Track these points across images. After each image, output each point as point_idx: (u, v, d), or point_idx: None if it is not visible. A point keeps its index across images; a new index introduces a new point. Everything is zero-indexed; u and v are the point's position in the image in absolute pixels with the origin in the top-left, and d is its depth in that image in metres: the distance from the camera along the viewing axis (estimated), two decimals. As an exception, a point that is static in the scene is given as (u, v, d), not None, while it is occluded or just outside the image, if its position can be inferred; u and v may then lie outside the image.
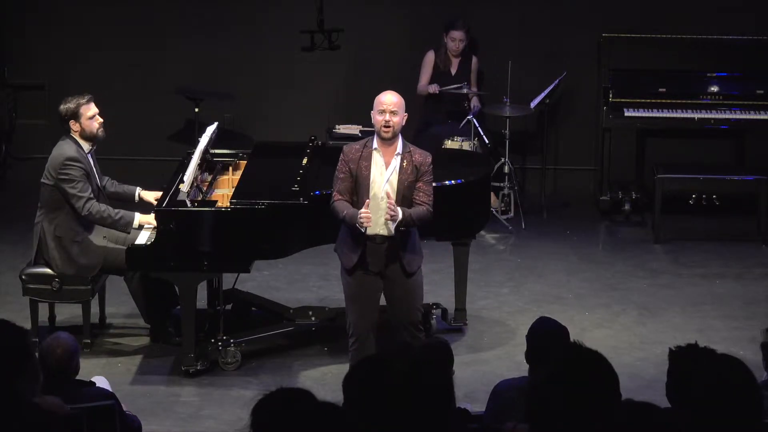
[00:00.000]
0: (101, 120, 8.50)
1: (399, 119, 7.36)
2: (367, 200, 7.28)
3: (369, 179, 7.35)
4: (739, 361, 4.11)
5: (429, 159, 7.44)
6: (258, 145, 9.39)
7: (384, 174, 7.37)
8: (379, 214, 7.34)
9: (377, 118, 7.37)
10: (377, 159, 7.39)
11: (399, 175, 7.35)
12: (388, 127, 7.33)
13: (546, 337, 5.76)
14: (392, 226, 7.31)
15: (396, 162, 7.37)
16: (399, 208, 7.29)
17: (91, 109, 8.46)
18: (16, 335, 4.83)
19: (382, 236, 7.39)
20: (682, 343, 4.49)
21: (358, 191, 7.37)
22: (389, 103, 7.36)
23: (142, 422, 6.34)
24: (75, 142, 8.43)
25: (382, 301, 7.60)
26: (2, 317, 4.96)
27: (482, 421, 5.81)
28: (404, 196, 7.36)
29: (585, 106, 12.02)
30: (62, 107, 8.47)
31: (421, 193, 7.38)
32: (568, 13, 11.94)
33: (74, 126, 8.44)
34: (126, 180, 8.92)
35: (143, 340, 8.74)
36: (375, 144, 7.40)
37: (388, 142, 7.38)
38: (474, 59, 11.57)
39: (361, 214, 7.23)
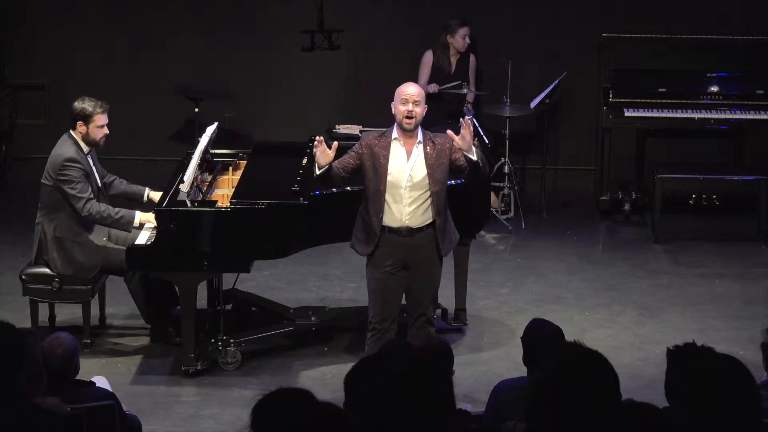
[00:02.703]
0: (107, 132, 8.50)
1: (421, 110, 7.43)
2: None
3: (386, 168, 7.40)
4: (738, 361, 4.11)
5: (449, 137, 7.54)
6: (258, 145, 9.39)
7: (406, 164, 7.42)
8: (402, 204, 7.41)
9: (400, 109, 7.42)
10: (398, 149, 7.44)
11: (426, 160, 7.41)
12: (411, 117, 7.40)
13: (541, 339, 5.78)
14: (474, 150, 7.29)
15: (419, 150, 7.43)
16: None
17: (103, 119, 8.45)
18: (15, 335, 4.83)
19: (408, 228, 7.44)
20: (680, 343, 4.48)
21: (376, 179, 7.41)
22: (412, 93, 7.43)
23: (142, 422, 6.35)
24: (75, 142, 8.43)
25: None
26: (2, 317, 4.96)
27: (482, 421, 5.82)
28: (436, 178, 7.41)
29: (585, 106, 12.02)
30: (77, 105, 8.45)
31: (461, 155, 7.37)
32: (568, 13, 11.93)
33: (80, 127, 8.43)
34: (126, 180, 8.91)
35: (143, 340, 8.74)
36: (395, 134, 7.46)
37: (409, 133, 7.43)
38: (472, 58, 11.56)
39: (316, 143, 7.32)
